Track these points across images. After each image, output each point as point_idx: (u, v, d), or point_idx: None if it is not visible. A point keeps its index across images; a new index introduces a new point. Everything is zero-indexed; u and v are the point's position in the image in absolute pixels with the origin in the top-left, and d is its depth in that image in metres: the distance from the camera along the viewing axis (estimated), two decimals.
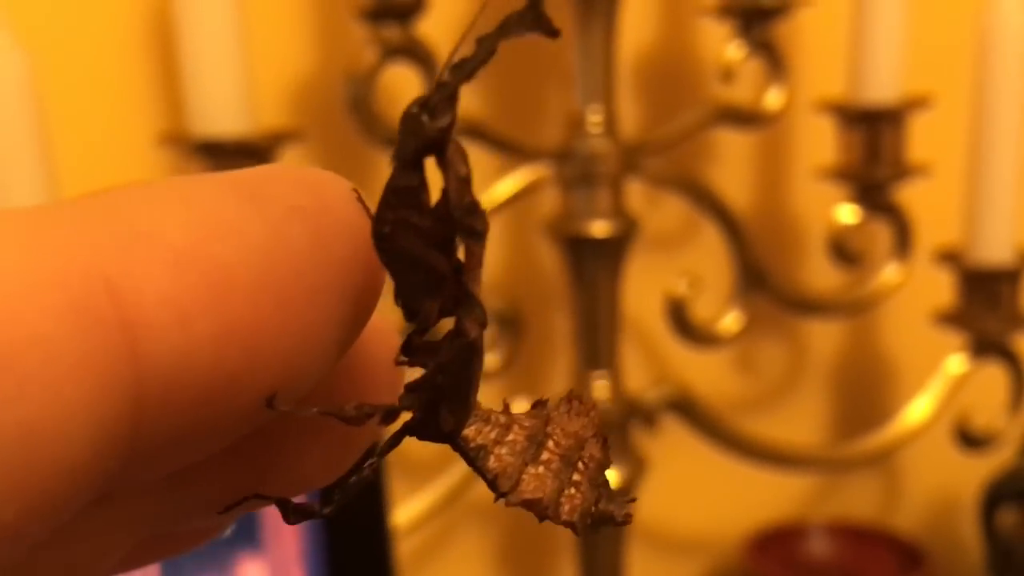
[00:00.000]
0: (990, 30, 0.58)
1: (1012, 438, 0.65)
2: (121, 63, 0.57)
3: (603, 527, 0.16)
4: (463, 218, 0.14)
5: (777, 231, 0.70)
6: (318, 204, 0.14)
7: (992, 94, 0.58)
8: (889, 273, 0.63)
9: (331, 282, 0.14)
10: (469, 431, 0.15)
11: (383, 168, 0.62)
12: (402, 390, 0.15)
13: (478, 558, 0.69)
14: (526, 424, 0.15)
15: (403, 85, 0.56)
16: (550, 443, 0.15)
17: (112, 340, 0.12)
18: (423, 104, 0.13)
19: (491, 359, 0.58)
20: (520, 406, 0.16)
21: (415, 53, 0.53)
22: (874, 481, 0.76)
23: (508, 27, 0.14)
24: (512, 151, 0.58)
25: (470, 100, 0.62)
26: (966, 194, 0.60)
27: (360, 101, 0.53)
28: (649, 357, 0.69)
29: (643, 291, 0.64)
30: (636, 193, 0.61)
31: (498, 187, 0.57)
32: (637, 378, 0.63)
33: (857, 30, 0.59)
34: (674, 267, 0.65)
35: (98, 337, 0.12)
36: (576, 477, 0.16)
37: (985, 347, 0.62)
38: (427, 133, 0.13)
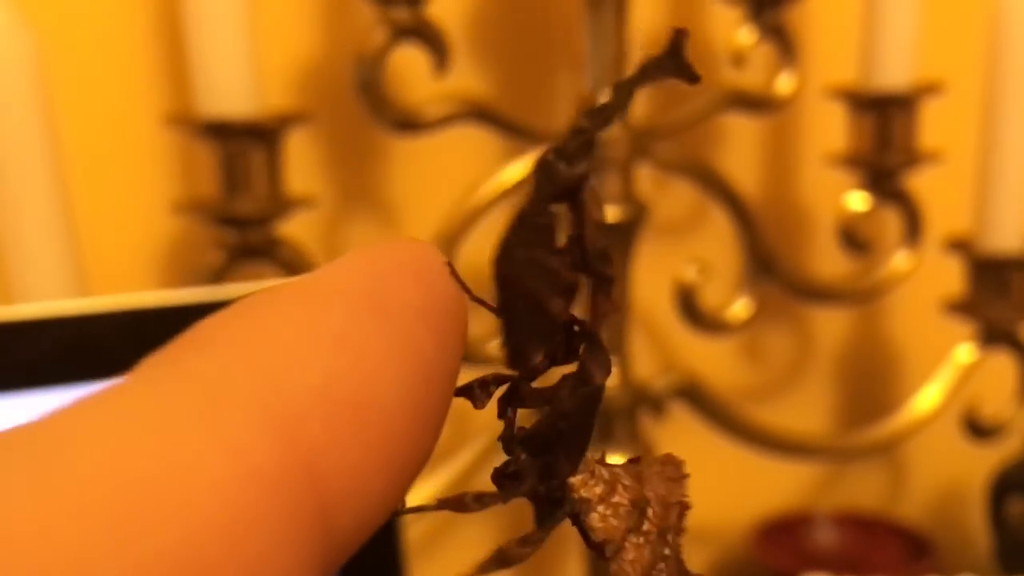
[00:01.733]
0: (1002, 16, 0.57)
1: (1020, 428, 0.65)
2: (128, 42, 0.57)
3: None
4: (595, 264, 0.14)
5: (786, 218, 0.69)
6: (431, 296, 0.13)
7: (1004, 81, 0.58)
8: (898, 261, 0.62)
9: (450, 370, 0.14)
10: (575, 480, 0.15)
11: (391, 150, 0.61)
12: (510, 439, 0.15)
13: (485, 546, 0.69)
14: (627, 483, 0.15)
15: (412, 67, 0.56)
16: (649, 511, 0.15)
17: (314, 526, 0.11)
18: (560, 150, 0.13)
19: (498, 347, 0.57)
20: (613, 459, 0.16)
21: (424, 34, 0.53)
22: (881, 470, 0.76)
23: (647, 72, 0.13)
24: (522, 134, 0.57)
25: (479, 82, 0.62)
26: (977, 182, 0.60)
27: (369, 83, 0.53)
28: (657, 344, 0.69)
29: (652, 277, 0.63)
30: (645, 178, 0.61)
31: (506, 171, 0.57)
32: (645, 365, 0.63)
33: (869, 15, 0.58)
34: (683, 253, 0.65)
35: (302, 527, 0.11)
36: (667, 552, 0.16)
37: (994, 336, 0.62)
38: (563, 179, 0.13)
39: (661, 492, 0.16)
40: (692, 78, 0.13)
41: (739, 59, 0.58)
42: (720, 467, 0.69)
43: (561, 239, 0.14)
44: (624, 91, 0.13)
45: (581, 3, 0.55)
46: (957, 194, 0.62)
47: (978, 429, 0.63)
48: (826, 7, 0.64)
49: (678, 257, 0.62)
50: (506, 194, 0.57)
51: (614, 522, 0.15)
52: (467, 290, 0.14)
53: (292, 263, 0.53)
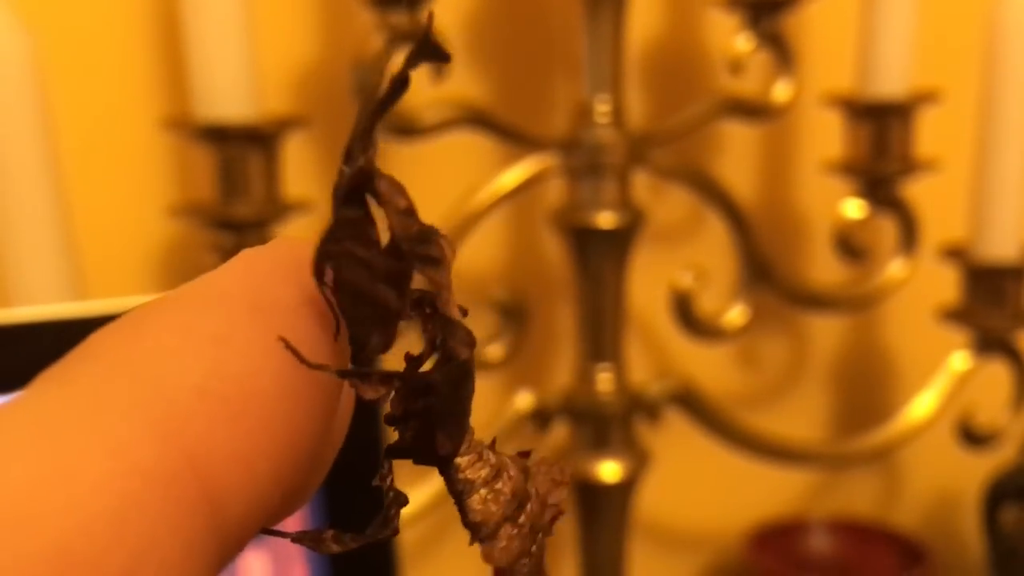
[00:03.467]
0: (999, 25, 0.57)
1: (1015, 436, 0.65)
2: (126, 46, 0.57)
3: None
4: (415, 248, 0.14)
5: (783, 225, 0.69)
6: (304, 291, 0.14)
7: (1000, 90, 0.58)
8: (894, 268, 0.63)
9: (329, 356, 0.14)
10: (462, 460, 0.16)
11: (388, 155, 0.61)
12: (390, 415, 0.15)
13: (478, 554, 0.69)
14: (512, 474, 0.16)
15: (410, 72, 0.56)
16: (528, 505, 0.16)
17: (198, 511, 0.12)
18: (344, 153, 0.14)
19: (495, 350, 0.57)
20: (506, 448, 0.16)
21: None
22: (876, 477, 0.76)
23: (410, 61, 0.14)
24: (518, 140, 0.57)
25: (477, 88, 0.62)
26: (973, 190, 0.60)
27: (366, 87, 0.53)
28: (653, 350, 0.69)
29: (648, 283, 0.63)
30: (642, 184, 0.61)
31: (504, 177, 0.57)
32: (641, 371, 0.63)
33: (866, 24, 0.59)
34: (679, 260, 0.65)
35: (186, 513, 0.12)
36: (534, 548, 0.16)
37: (989, 344, 0.62)
38: (348, 177, 0.14)
39: (543, 491, 0.16)
40: (445, 58, 0.14)
41: (736, 66, 0.58)
42: (715, 473, 0.69)
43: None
44: (397, 80, 0.14)
45: (579, 10, 0.55)
46: (953, 202, 0.62)
47: (973, 437, 0.63)
48: (823, 15, 0.64)
49: (674, 263, 0.63)
50: (503, 199, 0.57)
51: (493, 508, 0.15)
52: (320, 289, 0.14)
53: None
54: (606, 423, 0.58)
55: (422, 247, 0.14)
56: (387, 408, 0.15)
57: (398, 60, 0.14)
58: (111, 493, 0.11)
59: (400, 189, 0.14)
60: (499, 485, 0.16)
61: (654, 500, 0.68)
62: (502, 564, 0.16)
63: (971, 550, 0.72)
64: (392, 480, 0.16)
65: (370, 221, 0.14)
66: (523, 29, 0.63)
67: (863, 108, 0.60)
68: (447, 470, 0.16)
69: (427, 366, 0.15)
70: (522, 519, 0.16)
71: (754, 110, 0.60)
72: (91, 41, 0.56)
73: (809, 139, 0.68)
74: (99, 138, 0.57)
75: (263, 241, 0.49)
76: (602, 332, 0.58)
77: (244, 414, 0.13)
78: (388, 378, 0.15)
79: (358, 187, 0.14)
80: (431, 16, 0.14)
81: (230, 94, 0.50)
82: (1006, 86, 0.58)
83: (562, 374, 0.64)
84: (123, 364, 0.13)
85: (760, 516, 0.71)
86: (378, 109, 0.14)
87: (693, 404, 0.61)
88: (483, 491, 0.15)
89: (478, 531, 0.16)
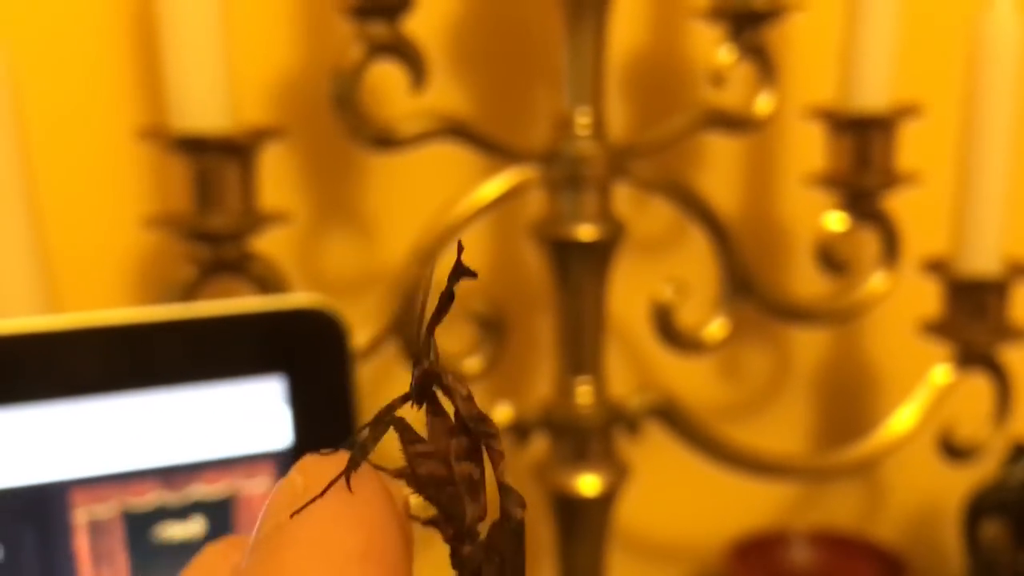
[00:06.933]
0: (981, 39, 0.57)
1: (996, 449, 0.65)
2: (101, 56, 0.56)
3: None
4: (477, 427, 0.17)
5: (765, 237, 0.69)
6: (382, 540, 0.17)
7: (982, 103, 0.58)
8: (876, 282, 0.62)
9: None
10: None
11: (367, 166, 0.61)
12: None
13: None
14: None
15: (389, 83, 0.55)
16: None
17: None
18: (412, 358, 0.18)
19: (474, 362, 0.57)
20: None
21: (402, 51, 0.52)
22: (857, 490, 0.76)
23: (451, 280, 0.18)
24: (498, 152, 0.57)
25: (457, 99, 0.62)
26: (955, 204, 0.60)
27: (345, 99, 0.52)
28: (633, 363, 0.68)
29: (628, 296, 0.63)
30: (623, 197, 0.61)
31: (484, 188, 0.56)
32: (621, 384, 0.62)
33: (849, 36, 0.58)
34: (660, 272, 0.65)
35: None
36: None
37: (971, 358, 0.62)
38: (421, 377, 0.18)
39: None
40: (474, 276, 0.18)
41: (718, 78, 0.58)
42: (696, 486, 0.69)
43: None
44: (445, 301, 0.18)
45: (560, 21, 0.55)
46: (935, 215, 0.62)
47: (954, 450, 0.63)
48: (806, 28, 0.64)
49: (655, 276, 0.62)
50: (483, 211, 0.57)
51: None
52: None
53: (265, 279, 0.52)
54: (586, 436, 0.58)
55: (483, 425, 0.18)
56: None
57: (442, 276, 0.18)
58: None
59: (462, 380, 0.18)
60: None
61: (634, 513, 0.68)
62: None
63: (952, 563, 0.72)
64: None
65: (441, 413, 0.18)
66: (503, 40, 0.63)
67: (845, 121, 0.59)
68: None
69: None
70: None
71: (736, 122, 0.60)
72: (65, 50, 0.55)
73: (791, 152, 0.68)
74: (73, 148, 0.56)
75: (240, 253, 0.48)
76: (582, 345, 0.58)
77: None
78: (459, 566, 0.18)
79: (427, 384, 0.18)
80: (460, 246, 0.18)
81: (206, 104, 0.50)
82: (988, 99, 0.58)
83: (541, 387, 0.64)
84: None
85: (741, 528, 0.70)
86: (436, 316, 0.17)
87: (674, 417, 0.60)
88: None
89: None
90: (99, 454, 0.36)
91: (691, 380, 0.69)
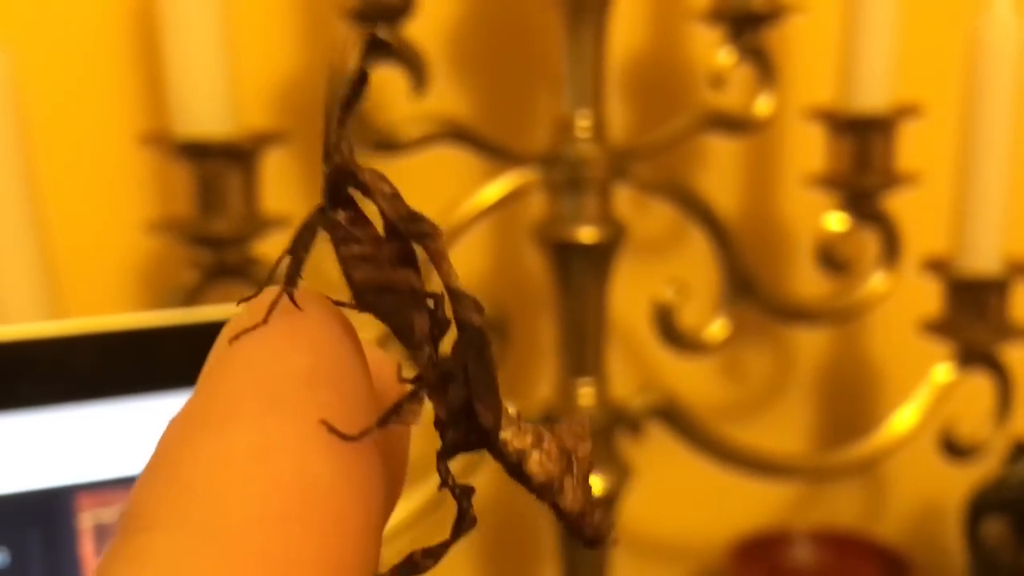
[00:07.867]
0: (980, 39, 0.58)
1: (997, 448, 0.65)
2: (104, 62, 0.56)
3: (604, 544, 0.17)
4: (408, 227, 0.15)
5: (765, 238, 0.69)
6: (313, 342, 0.15)
7: (981, 103, 0.58)
8: (877, 281, 0.63)
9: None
10: (506, 434, 0.16)
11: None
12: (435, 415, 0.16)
13: (461, 562, 0.69)
14: (548, 435, 0.16)
15: (389, 87, 0.55)
16: (572, 458, 0.16)
17: None
18: (323, 155, 0.15)
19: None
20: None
21: (402, 55, 0.52)
22: (859, 489, 0.76)
23: (364, 57, 0.15)
24: (500, 155, 0.57)
25: (458, 102, 0.62)
26: (954, 203, 0.60)
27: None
28: (635, 364, 0.69)
29: (630, 297, 0.63)
30: (624, 199, 0.61)
31: (485, 191, 0.57)
32: (623, 385, 0.62)
33: (848, 37, 0.59)
34: (661, 273, 0.65)
35: None
36: (593, 496, 0.17)
37: (972, 357, 0.62)
38: (332, 173, 0.15)
39: (573, 446, 0.17)
40: (387, 48, 0.15)
41: (718, 80, 0.58)
42: (698, 486, 0.69)
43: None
44: (356, 79, 0.15)
45: (560, 24, 0.55)
46: (935, 215, 0.62)
47: (955, 449, 0.63)
48: (805, 29, 0.64)
49: (656, 277, 0.62)
50: (484, 214, 0.57)
51: (550, 466, 0.16)
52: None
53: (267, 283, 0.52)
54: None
55: (415, 225, 0.15)
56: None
57: (354, 60, 0.15)
58: None
59: (382, 176, 0.15)
60: (545, 446, 0.16)
61: (637, 514, 0.68)
62: (575, 511, 0.16)
63: (954, 562, 0.72)
64: (453, 479, 0.16)
65: (357, 221, 0.15)
66: (504, 44, 0.63)
67: (845, 122, 0.60)
68: (496, 445, 0.16)
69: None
70: (575, 470, 0.16)
71: (736, 124, 0.60)
72: (68, 56, 0.56)
73: (791, 153, 0.68)
74: (76, 153, 0.56)
75: (243, 257, 0.49)
76: (584, 346, 0.58)
77: (327, 524, 0.13)
78: (417, 382, 0.15)
79: (340, 184, 0.15)
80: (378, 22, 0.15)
81: (209, 110, 0.50)
82: (987, 99, 0.58)
83: (543, 388, 0.64)
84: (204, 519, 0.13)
85: (743, 528, 0.71)
86: (345, 106, 0.15)
87: (675, 418, 0.61)
88: (536, 455, 0.16)
89: (547, 491, 0.16)
90: (104, 458, 0.36)
91: (692, 381, 0.69)
